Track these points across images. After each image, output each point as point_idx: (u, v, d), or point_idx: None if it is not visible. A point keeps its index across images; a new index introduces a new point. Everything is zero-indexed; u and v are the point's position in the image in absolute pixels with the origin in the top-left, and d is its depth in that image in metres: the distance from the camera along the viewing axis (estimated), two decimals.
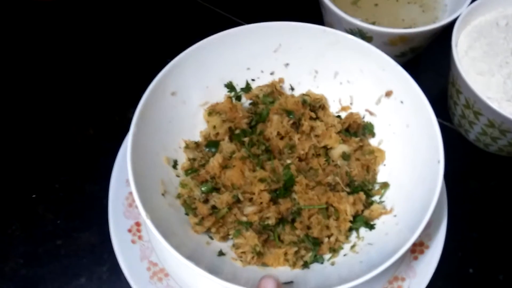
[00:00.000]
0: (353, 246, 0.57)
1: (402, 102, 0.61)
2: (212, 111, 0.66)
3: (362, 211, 0.59)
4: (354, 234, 0.59)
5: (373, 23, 0.75)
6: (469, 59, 0.66)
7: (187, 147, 0.64)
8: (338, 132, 0.64)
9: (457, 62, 0.63)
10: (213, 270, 0.49)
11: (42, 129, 0.78)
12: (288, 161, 0.62)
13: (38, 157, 0.75)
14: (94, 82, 0.83)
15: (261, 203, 0.58)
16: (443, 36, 0.70)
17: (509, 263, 0.65)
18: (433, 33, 0.69)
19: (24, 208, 0.70)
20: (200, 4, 0.93)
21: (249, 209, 0.58)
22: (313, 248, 0.57)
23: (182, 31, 0.89)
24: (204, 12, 0.92)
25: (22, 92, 0.82)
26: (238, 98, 0.69)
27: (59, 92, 0.82)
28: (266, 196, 0.58)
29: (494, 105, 0.60)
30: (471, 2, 0.69)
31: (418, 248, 0.60)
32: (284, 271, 0.56)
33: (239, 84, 0.69)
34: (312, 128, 0.64)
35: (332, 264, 0.56)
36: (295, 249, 0.56)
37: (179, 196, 0.60)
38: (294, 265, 0.56)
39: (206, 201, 0.59)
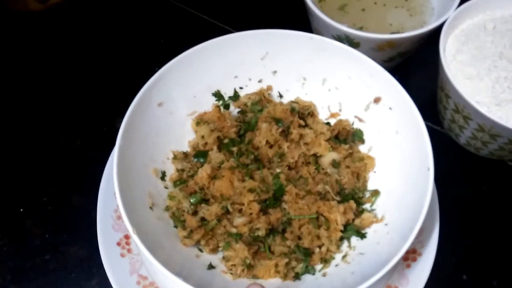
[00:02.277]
0: (344, 256, 0.57)
1: (390, 108, 0.61)
2: (200, 121, 0.65)
3: (353, 220, 0.58)
4: (345, 243, 0.58)
5: (361, 28, 0.75)
6: (457, 64, 0.66)
7: (175, 158, 0.63)
8: (328, 140, 0.64)
9: (445, 67, 0.63)
10: (203, 285, 0.48)
11: (28, 141, 0.77)
12: (278, 170, 0.61)
13: (24, 170, 0.74)
14: (81, 92, 0.82)
15: (251, 213, 0.57)
16: (431, 40, 0.70)
17: (503, 268, 0.64)
18: (421, 38, 0.68)
19: (12, 223, 0.69)
20: (187, 11, 0.92)
21: (239, 220, 0.57)
22: (304, 259, 0.56)
23: (170, 38, 0.89)
24: (191, 19, 0.91)
25: (7, 103, 0.81)
26: (226, 106, 0.68)
27: (45, 102, 0.81)
28: (255, 207, 0.57)
29: (483, 109, 0.60)
30: (458, 6, 0.68)
31: (410, 255, 0.59)
32: (275, 283, 0.55)
33: (227, 93, 0.68)
34: (301, 136, 0.64)
35: (324, 275, 0.56)
36: (286, 260, 0.55)
37: (167, 208, 0.59)
38: (285, 276, 0.55)
39: (195, 213, 0.59)
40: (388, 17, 0.77)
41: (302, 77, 0.68)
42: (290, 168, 0.62)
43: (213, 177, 0.60)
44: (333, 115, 0.68)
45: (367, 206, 0.61)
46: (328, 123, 0.67)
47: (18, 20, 0.91)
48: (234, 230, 0.57)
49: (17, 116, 0.79)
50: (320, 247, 0.57)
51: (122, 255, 0.60)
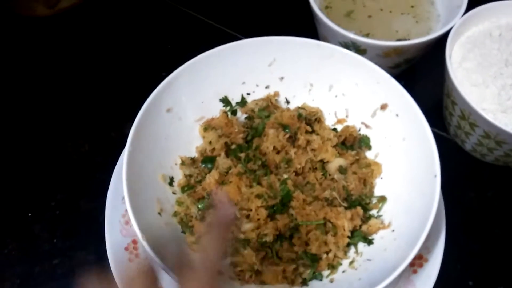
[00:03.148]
0: (351, 262, 0.57)
1: (397, 115, 0.61)
2: (208, 127, 0.66)
3: (360, 226, 0.59)
4: (352, 249, 0.59)
5: (367, 35, 0.75)
6: (463, 71, 0.66)
7: (183, 163, 0.64)
8: (334, 146, 0.64)
9: (451, 74, 0.64)
10: None
11: (36, 146, 0.77)
12: (285, 176, 0.61)
13: (32, 175, 0.74)
14: (89, 97, 0.83)
15: (258, 219, 0.58)
16: (437, 46, 0.70)
17: (509, 274, 0.65)
18: (427, 45, 0.69)
19: (20, 228, 0.69)
20: (194, 16, 0.93)
21: (247, 226, 0.57)
22: (312, 265, 0.56)
23: (177, 44, 0.89)
24: (198, 24, 0.92)
25: (15, 108, 0.82)
26: (234, 112, 0.69)
27: (54, 107, 0.82)
28: (263, 212, 0.58)
29: (489, 116, 0.60)
30: (464, 13, 0.69)
31: (417, 261, 0.59)
32: None
33: (235, 99, 0.69)
34: (308, 142, 0.64)
35: (331, 281, 0.56)
36: (294, 266, 0.55)
37: (175, 214, 0.60)
38: (292, 282, 0.55)
39: (203, 218, 0.59)
40: (394, 23, 0.77)
41: (309, 83, 0.68)
42: (297, 174, 0.63)
43: (220, 183, 0.61)
44: (339, 121, 0.68)
45: (374, 212, 0.61)
46: (335, 129, 0.68)
47: (25, 25, 0.91)
48: (242, 236, 0.57)
49: (25, 121, 0.80)
50: (327, 253, 0.57)
51: (130, 260, 0.61)
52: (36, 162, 0.75)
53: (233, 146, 0.64)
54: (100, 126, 0.79)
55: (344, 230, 0.57)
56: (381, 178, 0.63)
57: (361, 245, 0.59)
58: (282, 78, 0.68)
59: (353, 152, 0.64)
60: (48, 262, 0.67)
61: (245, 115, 0.69)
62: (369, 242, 0.58)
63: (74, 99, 0.83)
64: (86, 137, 0.78)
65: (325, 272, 0.57)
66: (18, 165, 0.75)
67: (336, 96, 0.68)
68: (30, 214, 0.71)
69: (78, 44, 0.90)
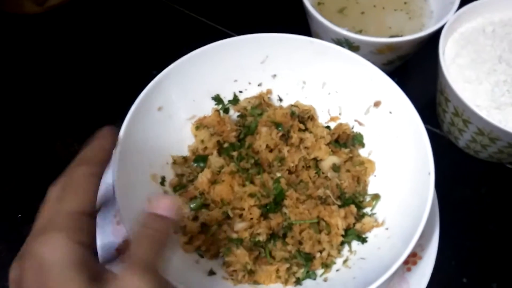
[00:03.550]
0: (345, 261, 0.56)
1: (390, 112, 0.61)
2: (200, 125, 0.65)
3: (354, 224, 0.58)
4: (346, 248, 0.58)
5: (360, 31, 0.75)
6: (456, 67, 0.66)
7: (175, 163, 0.63)
8: (328, 144, 0.63)
9: (445, 71, 0.63)
10: None
11: (25, 146, 0.76)
12: (278, 174, 0.61)
13: (22, 175, 0.73)
14: (78, 96, 0.82)
15: (252, 218, 0.57)
16: (430, 42, 0.70)
17: (502, 271, 0.65)
18: (420, 41, 0.68)
19: (10, 229, 0.68)
20: (185, 13, 0.92)
21: (240, 226, 0.57)
22: (305, 264, 0.56)
23: (168, 41, 0.88)
24: (189, 21, 0.91)
25: (3, 106, 0.80)
26: (226, 110, 0.68)
27: (42, 107, 0.80)
28: (256, 212, 0.57)
29: (483, 113, 0.60)
30: (458, 9, 0.69)
31: (411, 259, 0.59)
32: None
33: (227, 97, 0.68)
34: (301, 140, 0.63)
35: (325, 280, 0.55)
36: (287, 265, 0.55)
37: None
38: (286, 282, 0.55)
39: (195, 218, 0.58)
40: (387, 20, 0.77)
41: (302, 80, 0.67)
42: (290, 172, 0.62)
43: (213, 182, 0.60)
44: (333, 119, 0.67)
45: (367, 210, 0.61)
46: (328, 127, 0.67)
47: (14, 23, 0.90)
48: (235, 235, 0.57)
49: (13, 121, 0.79)
50: (321, 252, 0.57)
51: (122, 261, 0.60)
52: (25, 162, 0.74)
53: (226, 145, 0.63)
54: (89, 124, 0.77)
55: (338, 228, 0.56)
56: (375, 175, 0.63)
57: (355, 244, 0.58)
58: (274, 76, 0.68)
59: (347, 150, 0.64)
60: None
61: (237, 113, 0.68)
62: (363, 240, 0.57)
63: (63, 98, 0.81)
64: (76, 136, 0.77)
65: (319, 271, 0.57)
66: (7, 165, 0.74)
67: (329, 94, 0.67)
68: (20, 215, 0.70)
69: (67, 42, 0.88)
